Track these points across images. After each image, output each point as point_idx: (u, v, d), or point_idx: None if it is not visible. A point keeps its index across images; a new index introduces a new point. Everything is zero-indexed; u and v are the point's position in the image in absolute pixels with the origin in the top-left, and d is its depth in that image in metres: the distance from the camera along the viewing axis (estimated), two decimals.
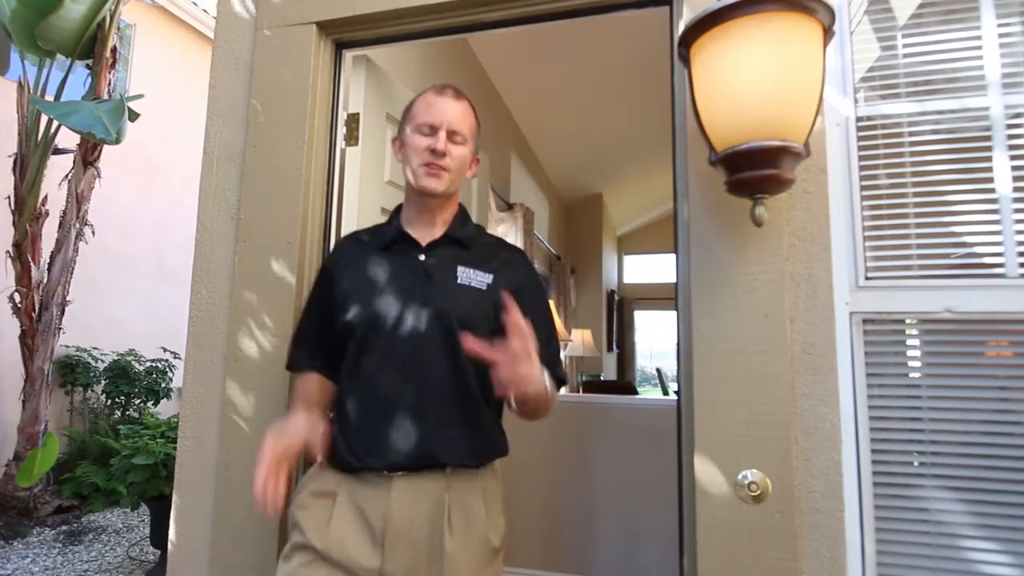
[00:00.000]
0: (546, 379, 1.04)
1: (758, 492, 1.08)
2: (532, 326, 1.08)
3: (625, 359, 9.20)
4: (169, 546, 1.47)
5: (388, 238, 1.16)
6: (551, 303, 3.43)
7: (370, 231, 1.22)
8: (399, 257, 1.13)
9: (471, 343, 0.93)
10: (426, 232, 1.15)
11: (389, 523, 1.00)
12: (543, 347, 1.08)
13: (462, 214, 1.20)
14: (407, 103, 1.18)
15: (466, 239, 1.16)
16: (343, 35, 1.56)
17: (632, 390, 5.00)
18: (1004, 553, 1.02)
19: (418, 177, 1.11)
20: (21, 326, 3.67)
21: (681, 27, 1.19)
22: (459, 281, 1.10)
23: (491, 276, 1.12)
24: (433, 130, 1.10)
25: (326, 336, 1.13)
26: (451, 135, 1.11)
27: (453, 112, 1.12)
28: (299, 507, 1.07)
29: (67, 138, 3.76)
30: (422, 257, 1.12)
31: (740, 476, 1.10)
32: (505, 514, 1.13)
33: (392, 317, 1.06)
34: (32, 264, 3.67)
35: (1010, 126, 1.09)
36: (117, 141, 3.21)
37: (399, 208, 1.22)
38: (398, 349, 1.05)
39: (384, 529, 1.00)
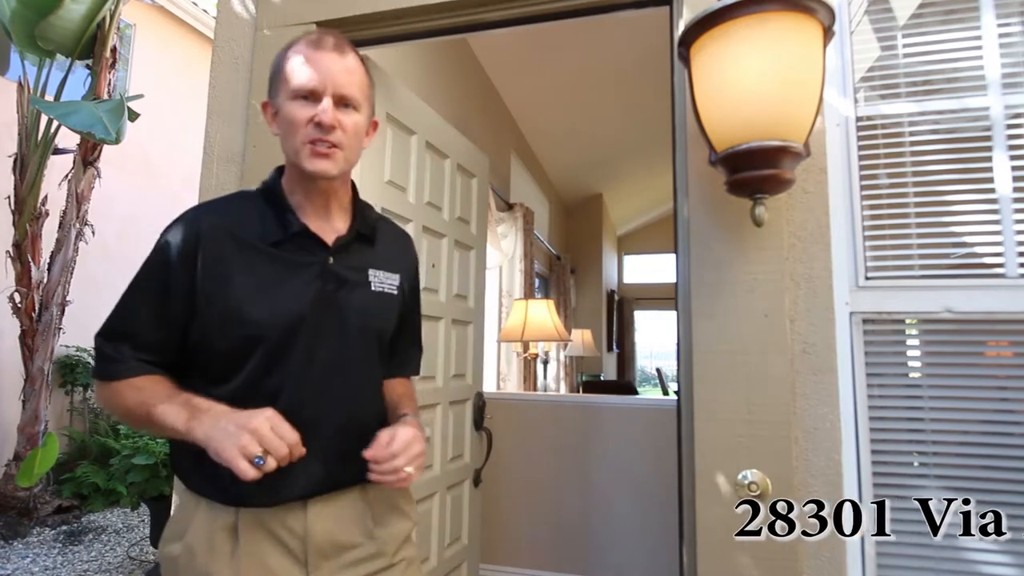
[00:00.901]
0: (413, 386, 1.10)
1: (758, 492, 1.08)
2: (412, 316, 1.13)
3: (625, 359, 9.21)
4: None
5: (281, 233, 0.92)
6: (551, 303, 3.46)
7: (238, 214, 0.93)
8: (299, 258, 0.92)
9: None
10: (325, 224, 0.95)
11: (311, 539, 0.90)
12: (412, 341, 1.15)
13: (357, 195, 1.03)
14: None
15: (370, 232, 1.01)
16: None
17: (632, 390, 5.01)
18: (1004, 553, 1.02)
19: (303, 159, 0.88)
20: (21, 326, 3.67)
21: (681, 27, 1.19)
22: (373, 288, 0.97)
23: (398, 276, 1.03)
24: (315, 96, 0.87)
25: (173, 333, 0.90)
26: (340, 101, 0.89)
27: (339, 71, 0.89)
28: (187, 551, 0.89)
29: (67, 138, 3.76)
30: (331, 260, 0.93)
31: (740, 476, 1.10)
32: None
33: (308, 334, 0.90)
34: (32, 264, 3.67)
35: (1010, 126, 1.09)
36: (117, 141, 3.21)
37: (275, 184, 0.96)
38: (316, 371, 0.91)
39: (305, 546, 0.89)
